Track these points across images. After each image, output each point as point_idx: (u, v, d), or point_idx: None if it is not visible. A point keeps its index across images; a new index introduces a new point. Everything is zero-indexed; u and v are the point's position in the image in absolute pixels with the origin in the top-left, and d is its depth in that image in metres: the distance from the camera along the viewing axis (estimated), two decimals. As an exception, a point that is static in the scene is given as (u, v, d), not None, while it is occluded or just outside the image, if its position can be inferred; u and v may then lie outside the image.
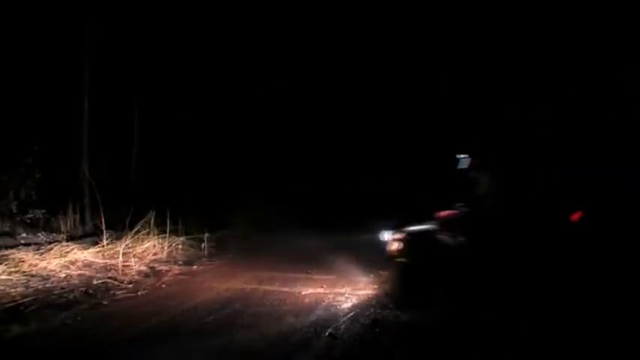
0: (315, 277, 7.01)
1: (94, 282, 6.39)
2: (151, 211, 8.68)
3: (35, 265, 6.61)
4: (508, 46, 10.70)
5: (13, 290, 5.57)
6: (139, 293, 6.21)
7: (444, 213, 5.69)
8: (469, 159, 5.98)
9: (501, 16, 10.87)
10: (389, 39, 13.17)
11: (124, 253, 7.51)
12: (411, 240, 5.52)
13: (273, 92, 13.47)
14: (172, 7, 12.01)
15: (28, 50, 10.09)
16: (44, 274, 6.42)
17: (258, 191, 12.24)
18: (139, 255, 7.84)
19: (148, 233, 8.45)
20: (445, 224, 5.62)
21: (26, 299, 5.31)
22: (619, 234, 5.43)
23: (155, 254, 8.17)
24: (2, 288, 5.67)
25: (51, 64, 10.42)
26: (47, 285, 6.02)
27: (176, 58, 12.52)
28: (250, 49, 13.31)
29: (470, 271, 5.28)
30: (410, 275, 5.37)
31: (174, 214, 9.01)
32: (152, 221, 8.62)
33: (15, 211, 8.37)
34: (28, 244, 7.73)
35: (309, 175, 13.59)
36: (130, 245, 7.79)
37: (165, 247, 8.47)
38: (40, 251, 7.20)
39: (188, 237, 9.17)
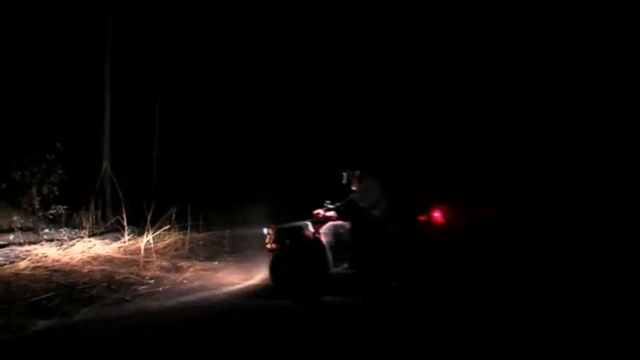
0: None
1: (116, 277, 6.28)
2: (172, 208, 8.60)
3: (58, 261, 6.52)
4: (508, 47, 10.44)
5: (36, 285, 5.46)
6: (161, 289, 6.11)
7: (316, 211, 6.06)
8: (347, 174, 6.18)
9: (501, 16, 10.60)
10: (388, 40, 12.87)
11: (145, 249, 7.41)
12: (279, 235, 5.93)
13: (279, 93, 13.36)
14: (189, 11, 12.04)
15: (51, 49, 10.12)
16: (67, 269, 6.32)
17: (279, 189, 12.13)
18: (160, 251, 7.74)
19: (170, 229, 8.37)
20: (315, 221, 6.01)
21: (49, 294, 5.19)
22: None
23: (176, 250, 8.09)
24: (26, 283, 5.54)
25: (74, 63, 10.46)
26: (70, 280, 5.88)
27: (194, 63, 12.58)
28: (261, 54, 13.25)
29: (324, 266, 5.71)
30: (277, 266, 5.82)
31: (194, 211, 8.93)
32: (173, 217, 8.55)
33: (38, 207, 8.34)
34: (50, 240, 7.69)
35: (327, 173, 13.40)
36: (152, 241, 7.67)
37: (187, 243, 8.39)
38: (63, 247, 7.14)
39: (209, 233, 9.07)
